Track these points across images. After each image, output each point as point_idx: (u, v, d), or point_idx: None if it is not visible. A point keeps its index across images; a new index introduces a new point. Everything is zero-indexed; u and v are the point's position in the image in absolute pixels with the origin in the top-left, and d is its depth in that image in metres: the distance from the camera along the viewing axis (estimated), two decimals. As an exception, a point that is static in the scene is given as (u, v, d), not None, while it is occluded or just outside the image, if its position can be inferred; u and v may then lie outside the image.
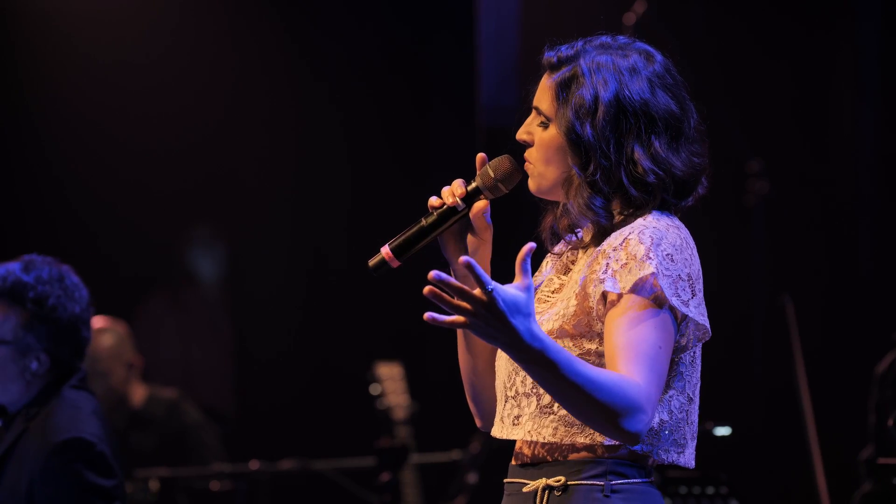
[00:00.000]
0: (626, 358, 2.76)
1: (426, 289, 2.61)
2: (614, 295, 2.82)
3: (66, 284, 4.43)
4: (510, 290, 2.61)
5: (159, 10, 8.29)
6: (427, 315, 2.63)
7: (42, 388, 4.38)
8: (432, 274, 2.59)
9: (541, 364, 2.65)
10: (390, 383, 6.96)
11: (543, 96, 2.98)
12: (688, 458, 2.93)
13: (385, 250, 3.00)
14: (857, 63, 7.65)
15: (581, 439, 2.87)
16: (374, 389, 6.95)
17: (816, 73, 7.68)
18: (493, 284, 2.59)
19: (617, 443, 2.87)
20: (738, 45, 7.66)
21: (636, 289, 2.80)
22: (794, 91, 7.67)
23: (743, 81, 7.63)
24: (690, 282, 2.85)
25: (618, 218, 2.94)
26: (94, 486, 4.30)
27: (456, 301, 2.61)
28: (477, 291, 2.59)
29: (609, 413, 2.69)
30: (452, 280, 2.59)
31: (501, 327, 2.60)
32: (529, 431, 2.92)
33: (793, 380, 6.11)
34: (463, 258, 2.60)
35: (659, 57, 2.99)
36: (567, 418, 2.88)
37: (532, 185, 3.00)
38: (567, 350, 2.74)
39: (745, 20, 7.69)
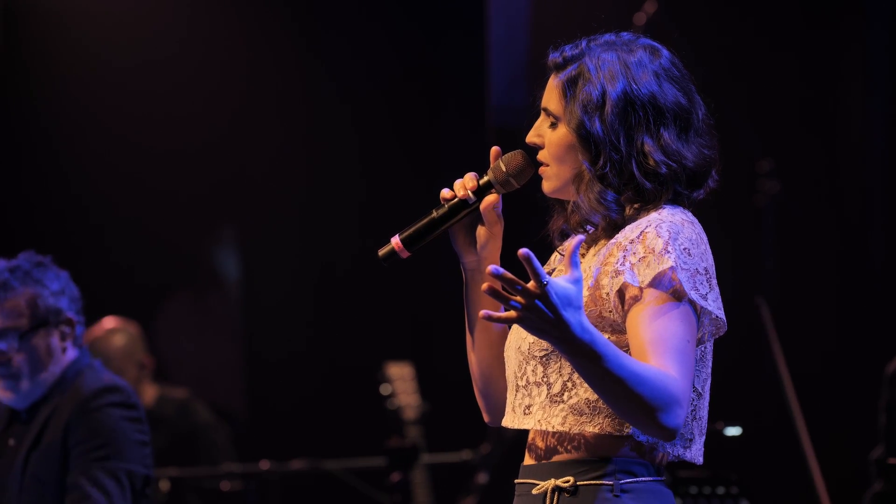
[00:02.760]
0: (658, 352, 2.77)
1: (484, 286, 2.61)
2: (635, 289, 2.83)
3: (40, 259, 4.54)
4: (562, 284, 2.62)
5: (173, 12, 8.30)
6: (482, 313, 2.62)
7: (67, 364, 4.42)
8: (490, 268, 2.60)
9: (588, 357, 2.66)
10: (401, 383, 6.97)
11: (551, 96, 2.99)
12: (694, 454, 2.94)
13: (395, 240, 3.00)
14: (866, 62, 7.64)
15: (590, 428, 2.88)
16: (385, 389, 6.95)
17: (826, 73, 7.68)
18: (549, 278, 2.60)
19: (623, 435, 2.87)
20: (748, 44, 7.66)
21: (655, 283, 2.81)
22: (803, 90, 7.67)
23: (753, 81, 7.63)
24: (707, 276, 2.85)
25: (629, 211, 2.94)
26: (126, 437, 4.35)
27: (510, 295, 2.61)
28: (531, 285, 2.60)
29: (649, 408, 2.71)
30: (509, 274, 2.60)
31: (554, 321, 2.62)
32: (539, 420, 2.92)
33: (778, 381, 6.10)
34: (522, 251, 2.59)
35: (664, 51, 3.00)
36: (576, 407, 2.89)
37: (546, 186, 3.01)
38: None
39: (754, 20, 7.69)
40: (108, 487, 4.29)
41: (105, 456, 4.32)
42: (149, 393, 7.25)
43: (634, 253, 2.85)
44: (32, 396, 4.43)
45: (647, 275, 2.82)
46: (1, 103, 8.12)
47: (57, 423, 4.38)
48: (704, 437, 2.96)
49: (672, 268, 2.81)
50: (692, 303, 2.82)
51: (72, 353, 4.46)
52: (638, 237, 2.86)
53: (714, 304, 2.85)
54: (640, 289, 2.82)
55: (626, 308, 2.84)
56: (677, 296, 2.81)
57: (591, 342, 2.65)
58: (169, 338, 8.57)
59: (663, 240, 2.83)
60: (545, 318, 2.61)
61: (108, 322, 7.14)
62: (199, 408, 7.41)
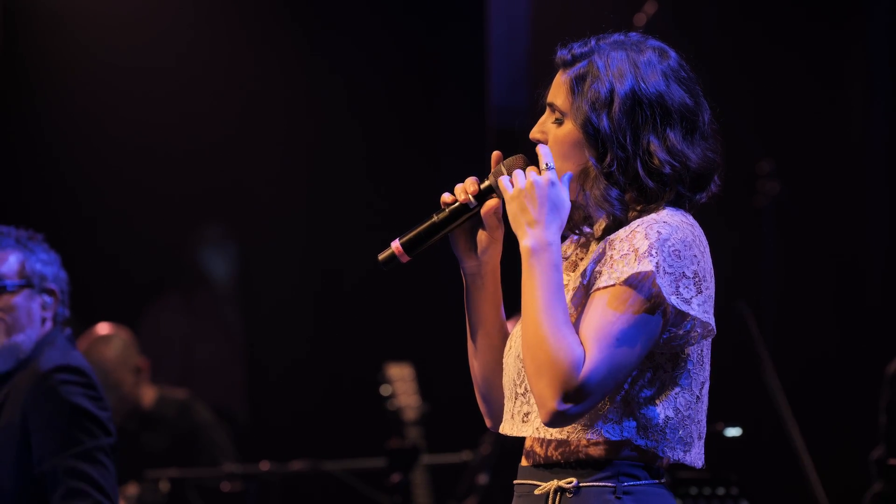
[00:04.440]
0: (589, 337, 2.78)
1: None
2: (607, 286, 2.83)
3: (34, 234, 4.54)
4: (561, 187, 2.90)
5: (171, 13, 8.30)
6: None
7: (41, 338, 4.42)
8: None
9: (538, 263, 2.83)
10: (401, 384, 6.96)
11: (558, 92, 2.99)
12: (694, 458, 2.93)
13: (395, 245, 2.99)
14: (868, 64, 7.64)
15: (590, 435, 2.88)
16: (385, 390, 6.95)
17: (828, 74, 7.68)
18: (554, 176, 2.88)
19: (622, 440, 2.86)
20: (749, 45, 7.66)
21: (630, 282, 2.81)
22: (805, 92, 7.67)
23: (754, 82, 7.63)
24: (696, 279, 2.84)
25: (632, 213, 2.94)
26: (86, 411, 4.32)
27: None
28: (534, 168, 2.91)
29: (541, 368, 2.77)
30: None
31: (539, 209, 2.86)
32: (538, 428, 2.92)
33: (766, 385, 6.10)
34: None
35: (672, 53, 3.00)
36: (578, 417, 2.88)
37: None
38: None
39: (756, 20, 7.69)
40: (91, 474, 4.28)
41: (76, 441, 4.31)
42: (148, 394, 7.25)
43: (619, 250, 2.85)
44: (5, 358, 4.39)
45: (623, 272, 2.82)
46: None
47: (14, 402, 4.35)
48: (703, 440, 2.95)
49: (653, 272, 2.80)
50: (665, 310, 2.81)
51: (49, 328, 4.46)
52: (628, 235, 2.86)
53: (699, 309, 2.84)
54: (612, 285, 2.82)
55: (595, 288, 2.85)
56: (655, 301, 2.80)
57: (550, 259, 2.83)
58: (169, 339, 8.57)
59: (650, 241, 2.83)
60: (532, 203, 2.86)
61: (101, 329, 7.13)
62: (199, 408, 7.41)
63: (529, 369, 2.80)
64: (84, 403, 4.34)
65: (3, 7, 7.99)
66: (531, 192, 2.86)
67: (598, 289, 2.83)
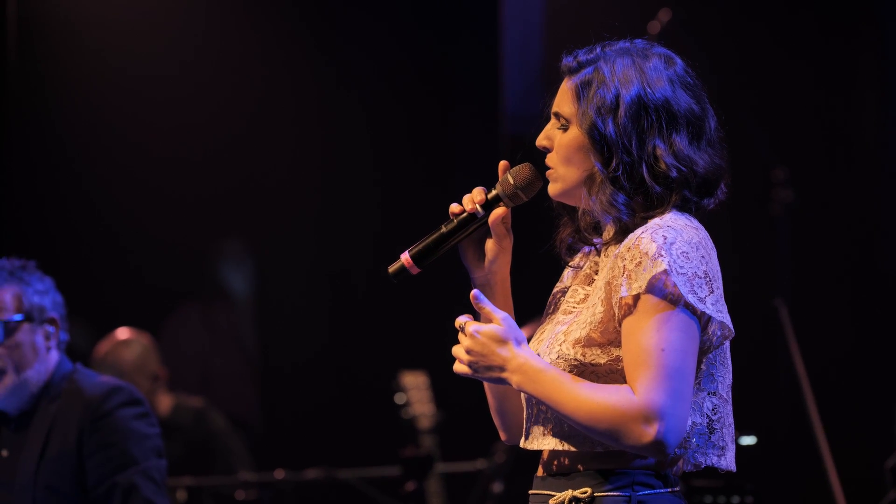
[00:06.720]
0: (634, 366, 2.79)
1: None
2: (629, 297, 2.82)
3: (25, 263, 4.56)
4: (486, 326, 2.88)
5: (187, 20, 8.32)
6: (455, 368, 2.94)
7: (53, 368, 4.43)
8: (473, 293, 2.92)
9: (534, 381, 2.83)
10: (415, 392, 6.97)
11: (563, 99, 2.99)
12: (729, 461, 2.93)
13: (405, 257, 3.00)
14: (881, 71, 7.64)
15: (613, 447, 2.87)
16: (399, 399, 6.95)
17: (841, 82, 7.67)
18: (474, 326, 2.90)
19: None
20: (763, 53, 7.66)
21: (649, 288, 2.80)
22: (818, 99, 7.66)
23: (768, 90, 7.62)
24: (707, 279, 2.84)
25: (639, 218, 2.92)
26: (141, 433, 4.38)
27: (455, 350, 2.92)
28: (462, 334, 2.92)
29: (610, 429, 2.77)
30: (460, 320, 2.94)
31: (491, 356, 2.87)
32: (560, 441, 2.92)
33: (796, 383, 6.09)
34: (473, 291, 2.91)
35: (678, 60, 3.00)
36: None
37: (553, 189, 3.00)
38: (595, 357, 2.83)
39: (769, 29, 7.68)
40: (148, 494, 4.33)
41: (133, 460, 4.35)
42: (164, 402, 7.26)
43: (632, 259, 2.84)
44: (18, 396, 4.42)
45: (643, 279, 2.81)
46: (15, 111, 8.13)
47: (64, 431, 4.38)
48: (735, 444, 2.95)
49: (666, 271, 2.80)
50: (690, 307, 2.81)
51: (55, 356, 4.48)
52: (634, 243, 2.85)
53: (713, 308, 2.84)
54: (633, 297, 2.82)
55: (621, 316, 2.85)
56: (672, 300, 2.80)
57: (536, 371, 2.84)
58: (184, 347, 8.58)
59: (657, 244, 2.82)
60: (484, 358, 2.88)
61: (121, 333, 7.14)
62: (214, 416, 7.41)
63: (612, 441, 2.80)
64: (138, 427, 4.39)
65: (18, 16, 8.01)
66: (474, 355, 2.90)
67: (622, 309, 2.83)
